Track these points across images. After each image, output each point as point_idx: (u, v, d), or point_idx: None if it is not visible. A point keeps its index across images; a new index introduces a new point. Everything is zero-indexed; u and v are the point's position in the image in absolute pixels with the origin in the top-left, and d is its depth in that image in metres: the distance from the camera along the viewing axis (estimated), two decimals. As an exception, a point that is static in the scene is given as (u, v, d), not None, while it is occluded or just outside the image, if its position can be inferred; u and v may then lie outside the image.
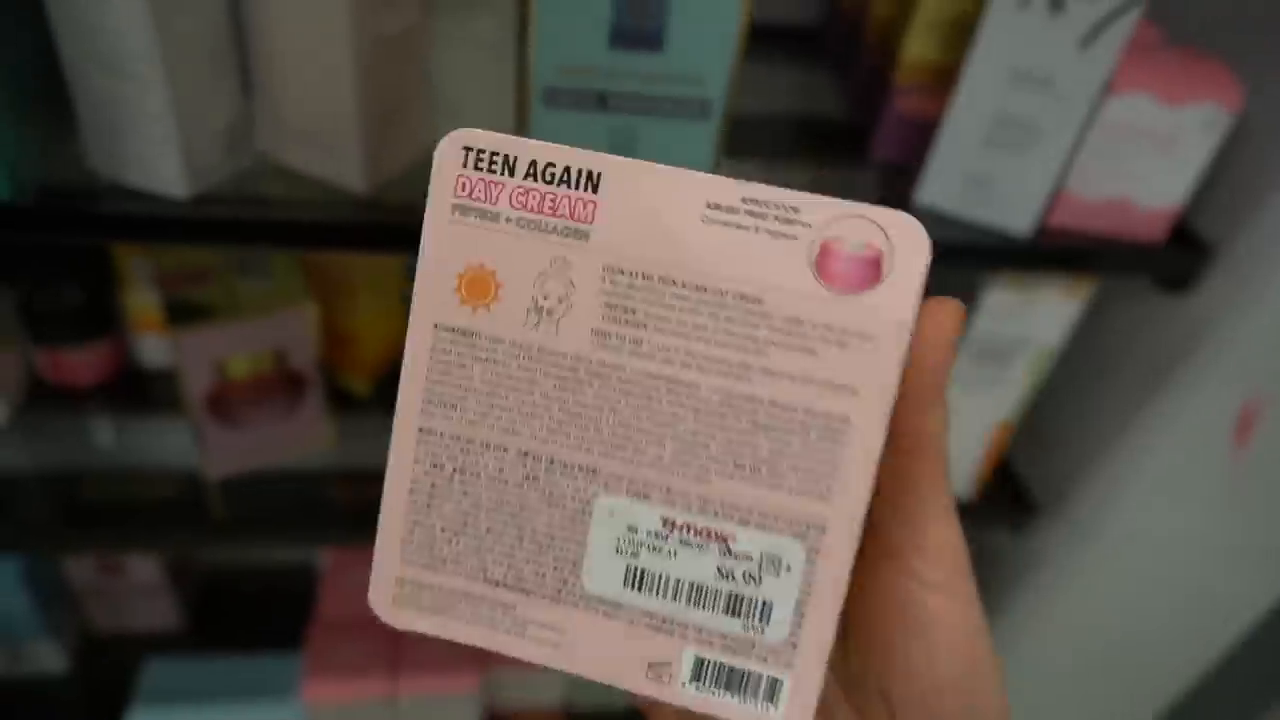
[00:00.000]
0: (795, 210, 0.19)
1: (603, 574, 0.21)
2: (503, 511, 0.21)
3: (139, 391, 0.70)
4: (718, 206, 0.19)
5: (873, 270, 0.19)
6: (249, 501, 0.64)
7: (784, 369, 0.19)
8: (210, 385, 0.59)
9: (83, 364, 0.66)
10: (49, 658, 0.81)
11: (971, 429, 0.67)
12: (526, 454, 0.21)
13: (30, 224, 0.44)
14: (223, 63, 0.45)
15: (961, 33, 0.53)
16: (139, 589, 0.83)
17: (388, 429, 0.71)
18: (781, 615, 0.20)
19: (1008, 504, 0.73)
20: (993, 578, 0.81)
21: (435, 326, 0.20)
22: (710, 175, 0.19)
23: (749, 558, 0.20)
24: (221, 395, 0.60)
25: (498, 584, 0.21)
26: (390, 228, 0.47)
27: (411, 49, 0.47)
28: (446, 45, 0.49)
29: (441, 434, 0.21)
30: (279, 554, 0.92)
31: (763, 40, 0.70)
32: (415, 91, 0.49)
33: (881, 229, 0.18)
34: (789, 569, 0.20)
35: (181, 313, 0.57)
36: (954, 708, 0.21)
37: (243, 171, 0.48)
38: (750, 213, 0.19)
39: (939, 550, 0.21)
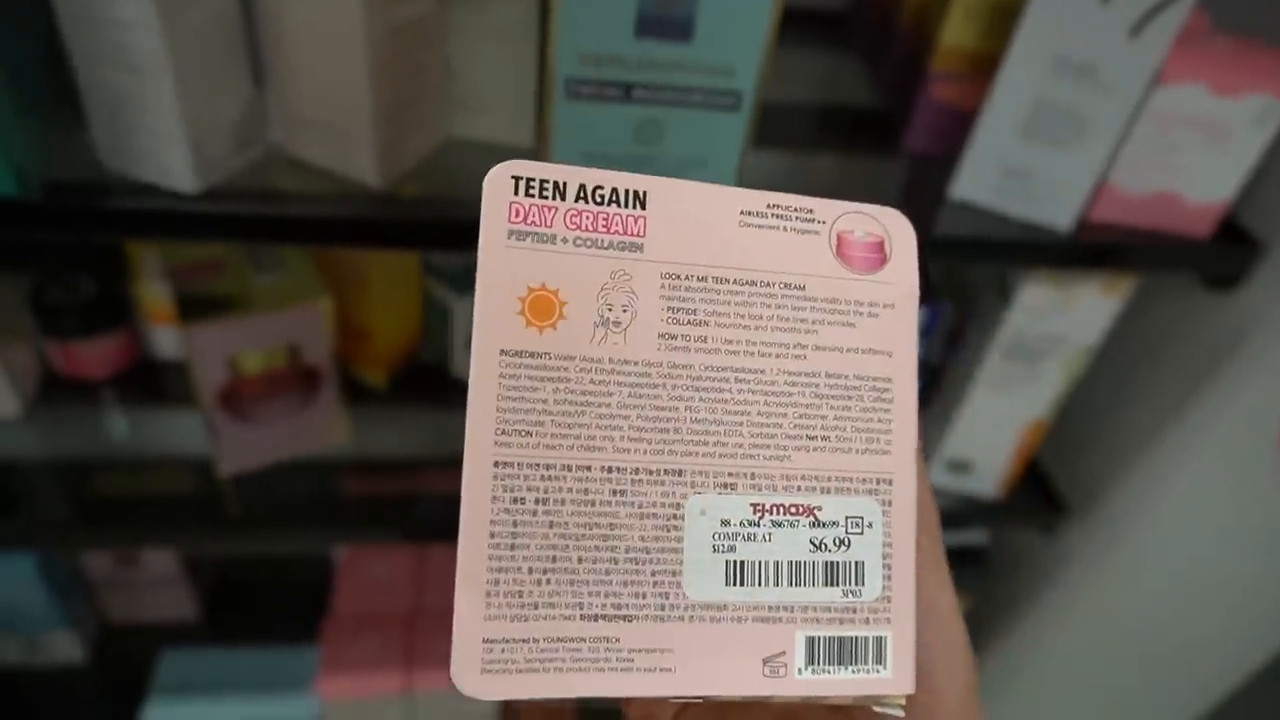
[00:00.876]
0: (811, 211, 0.22)
1: (704, 578, 0.20)
2: (593, 535, 0.20)
3: (153, 383, 0.68)
4: (750, 213, 0.21)
5: (880, 253, 0.22)
6: (264, 495, 0.63)
7: (833, 343, 0.21)
8: (223, 380, 0.58)
9: (95, 356, 0.65)
10: (67, 648, 0.81)
11: (1002, 427, 0.65)
12: (611, 469, 0.20)
13: (37, 219, 0.43)
14: (233, 54, 0.43)
15: (1002, 18, 0.51)
16: (155, 581, 0.82)
17: (403, 421, 0.70)
18: (873, 572, 0.21)
19: (1038, 504, 0.71)
20: (1022, 578, 0.79)
21: (502, 352, 0.20)
22: (739, 189, 0.21)
23: (836, 524, 0.21)
24: (234, 391, 0.58)
25: (597, 618, 0.20)
26: (405, 223, 0.45)
27: (427, 38, 0.46)
28: (464, 34, 0.47)
29: (519, 464, 0.20)
30: (295, 546, 0.91)
31: (786, 25, 0.68)
32: (432, 83, 0.47)
33: (877, 220, 0.22)
34: (870, 525, 0.21)
35: (194, 306, 0.56)
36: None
37: (255, 164, 0.47)
38: (776, 216, 0.21)
39: None
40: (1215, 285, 0.57)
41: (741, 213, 0.21)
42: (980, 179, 0.51)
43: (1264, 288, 0.55)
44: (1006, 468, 0.67)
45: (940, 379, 0.68)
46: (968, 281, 0.65)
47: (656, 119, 0.42)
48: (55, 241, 0.64)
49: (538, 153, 0.45)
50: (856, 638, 0.21)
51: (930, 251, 0.52)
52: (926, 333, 0.66)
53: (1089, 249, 0.52)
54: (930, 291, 0.65)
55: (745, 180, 0.45)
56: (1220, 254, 0.54)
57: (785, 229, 0.21)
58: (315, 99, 0.44)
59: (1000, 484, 0.69)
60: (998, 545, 0.83)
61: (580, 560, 0.20)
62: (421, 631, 0.80)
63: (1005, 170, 0.51)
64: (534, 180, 0.20)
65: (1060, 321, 0.58)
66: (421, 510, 0.64)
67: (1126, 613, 0.72)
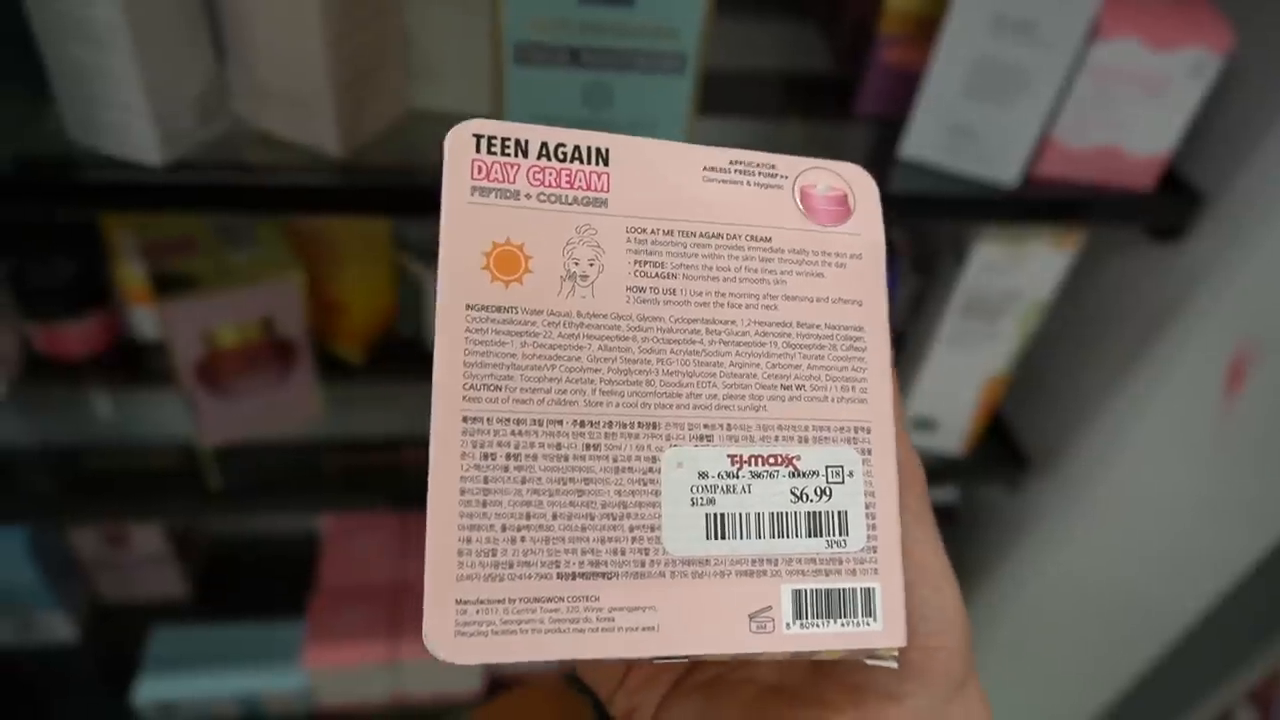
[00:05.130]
0: (773, 166, 0.22)
1: (684, 531, 0.20)
2: (568, 491, 0.20)
3: (134, 363, 0.70)
4: (713, 168, 0.22)
5: (844, 206, 0.22)
6: (245, 470, 0.64)
7: (802, 293, 0.22)
8: (200, 355, 0.59)
9: (77, 337, 0.67)
10: (58, 627, 0.82)
11: (963, 384, 0.67)
12: (583, 422, 0.20)
13: (8, 194, 0.44)
14: (194, 28, 0.45)
15: (945, -20, 0.52)
16: (145, 559, 0.84)
17: (379, 396, 0.71)
18: (856, 521, 0.21)
19: (1001, 459, 0.72)
20: (986, 533, 0.81)
21: (468, 307, 0.20)
22: (702, 146, 0.22)
23: (816, 473, 0.21)
24: (212, 364, 0.60)
25: (575, 575, 0.19)
26: (367, 191, 0.47)
27: (385, 10, 0.47)
28: (422, 5, 0.49)
29: (489, 419, 0.20)
30: (281, 524, 0.93)
31: (747, -5, 0.69)
32: (390, 53, 0.49)
33: (839, 174, 0.23)
34: (851, 474, 0.21)
35: (168, 284, 0.57)
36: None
37: (220, 137, 0.48)
38: (739, 171, 0.22)
39: None
40: (1160, 237, 0.58)
41: (705, 168, 0.22)
42: (928, 138, 0.53)
43: (1207, 238, 0.57)
44: (969, 424, 0.69)
45: (903, 342, 0.70)
46: (927, 247, 0.67)
47: (604, 83, 0.43)
48: (30, 221, 0.65)
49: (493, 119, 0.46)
50: (844, 589, 0.20)
51: (883, 211, 0.53)
52: (888, 298, 0.68)
53: (1035, 203, 0.53)
54: (892, 258, 0.67)
55: (698, 144, 0.46)
56: (1163, 206, 0.55)
57: (748, 184, 0.22)
58: (275, 71, 0.46)
59: (964, 441, 0.70)
60: (965, 502, 0.85)
61: (555, 517, 0.20)
62: (406, 602, 0.81)
63: (952, 128, 0.52)
64: (495, 138, 0.20)
65: (1014, 277, 0.60)
66: (403, 479, 0.66)
67: (1090, 564, 0.74)
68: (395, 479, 0.66)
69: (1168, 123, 0.52)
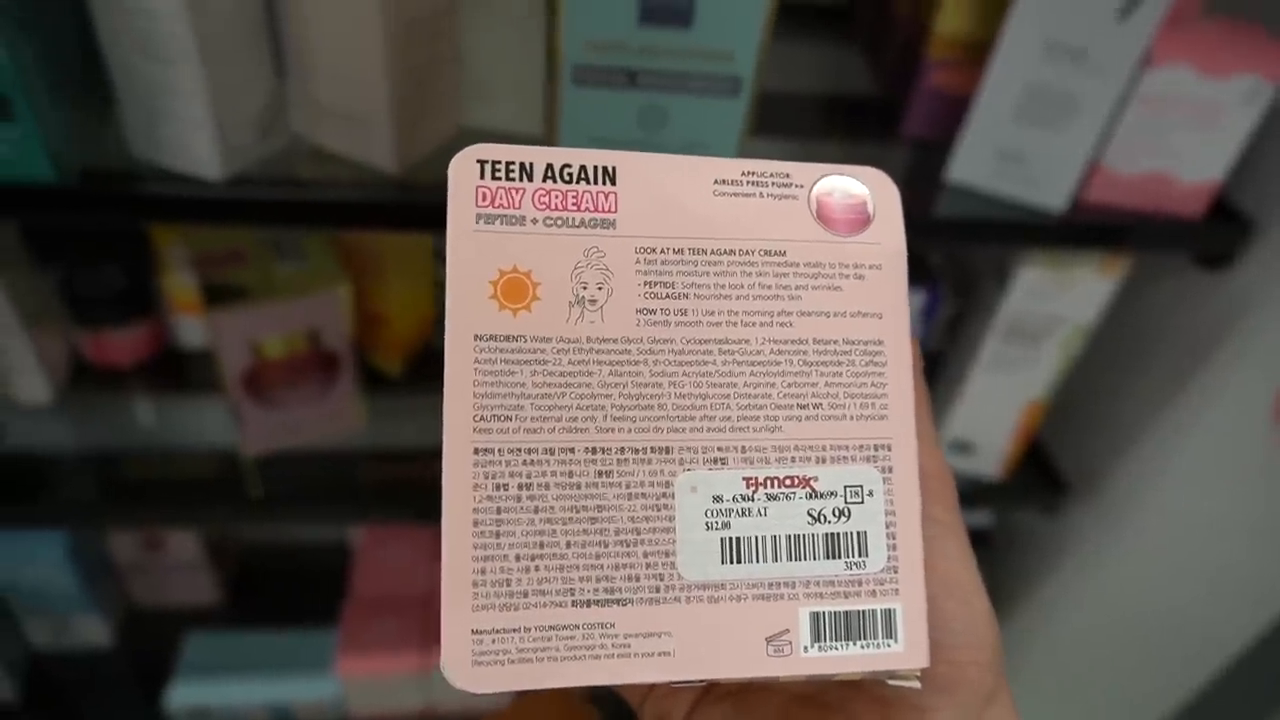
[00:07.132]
0: (788, 176, 0.21)
1: (699, 556, 0.20)
2: (581, 519, 0.20)
3: (178, 372, 0.71)
4: (724, 181, 0.21)
5: (863, 214, 0.21)
6: (284, 480, 0.65)
7: (819, 308, 0.21)
8: (246, 365, 0.60)
9: (123, 345, 0.68)
10: (94, 631, 0.83)
11: (1002, 408, 0.66)
12: (595, 449, 0.20)
13: (70, 205, 0.45)
14: (257, 45, 0.45)
15: (995, 5, 0.52)
16: (180, 565, 0.85)
17: (418, 409, 0.72)
18: (876, 541, 0.21)
19: (1039, 484, 0.72)
20: (1023, 558, 0.80)
21: (476, 338, 0.20)
22: (713, 158, 0.21)
23: (834, 494, 0.21)
24: (257, 374, 0.61)
25: (590, 603, 0.20)
26: (421, 207, 0.47)
27: (442, 30, 0.48)
28: (477, 25, 0.49)
29: (500, 450, 0.20)
30: (315, 532, 0.93)
31: (791, 17, 0.70)
32: (446, 73, 0.49)
33: (857, 181, 0.22)
34: (871, 494, 0.21)
35: (218, 294, 0.58)
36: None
37: (277, 153, 0.49)
38: (752, 183, 0.21)
39: None
40: (1209, 265, 0.58)
41: (716, 182, 0.21)
42: (976, 162, 0.53)
43: (1257, 266, 0.56)
44: (1007, 448, 0.69)
45: (941, 364, 0.70)
46: (968, 269, 0.67)
47: (660, 105, 0.44)
48: (84, 231, 0.66)
49: (546, 139, 0.47)
50: (864, 611, 0.20)
51: (929, 234, 0.53)
52: (928, 318, 0.68)
53: (1083, 229, 0.53)
54: (934, 279, 0.67)
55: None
56: (1213, 233, 0.55)
57: (762, 195, 0.21)
58: (334, 88, 0.47)
59: (1001, 465, 0.70)
60: (1002, 527, 0.84)
61: (569, 545, 0.20)
62: (438, 613, 0.82)
63: (1000, 153, 0.52)
64: (500, 163, 0.20)
65: (1057, 302, 0.60)
66: (439, 491, 0.66)
67: (1130, 591, 0.73)
68: (431, 491, 0.66)
69: (1219, 150, 0.52)
